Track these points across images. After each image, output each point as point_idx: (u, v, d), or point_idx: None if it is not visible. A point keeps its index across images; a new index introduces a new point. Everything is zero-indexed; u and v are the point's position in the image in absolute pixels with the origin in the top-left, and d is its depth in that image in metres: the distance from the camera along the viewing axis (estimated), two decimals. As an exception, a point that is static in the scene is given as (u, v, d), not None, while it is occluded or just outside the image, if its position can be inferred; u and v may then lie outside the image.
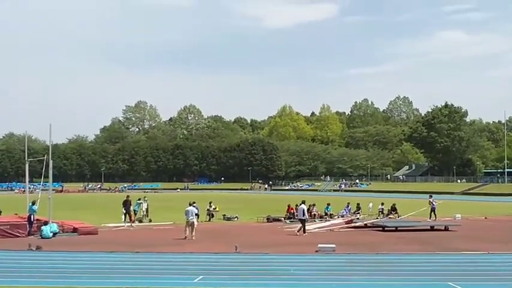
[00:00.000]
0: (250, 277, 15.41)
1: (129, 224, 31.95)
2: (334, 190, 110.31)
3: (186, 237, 24.97)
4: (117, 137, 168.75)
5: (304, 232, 27.26)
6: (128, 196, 34.31)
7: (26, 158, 32.40)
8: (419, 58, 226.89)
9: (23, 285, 13.86)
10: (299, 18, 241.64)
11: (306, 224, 28.16)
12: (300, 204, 28.50)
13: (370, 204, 42.71)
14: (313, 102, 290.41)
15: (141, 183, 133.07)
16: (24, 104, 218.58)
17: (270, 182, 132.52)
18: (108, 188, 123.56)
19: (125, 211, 32.66)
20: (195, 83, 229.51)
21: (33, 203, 27.08)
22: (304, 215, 27.88)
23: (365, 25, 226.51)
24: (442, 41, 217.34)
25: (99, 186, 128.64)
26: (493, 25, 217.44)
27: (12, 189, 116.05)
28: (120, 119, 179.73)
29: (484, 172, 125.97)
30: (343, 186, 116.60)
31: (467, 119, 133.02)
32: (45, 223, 26.33)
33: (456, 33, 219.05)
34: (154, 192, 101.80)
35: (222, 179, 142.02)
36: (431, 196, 38.72)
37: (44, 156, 28.91)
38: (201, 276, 15.15)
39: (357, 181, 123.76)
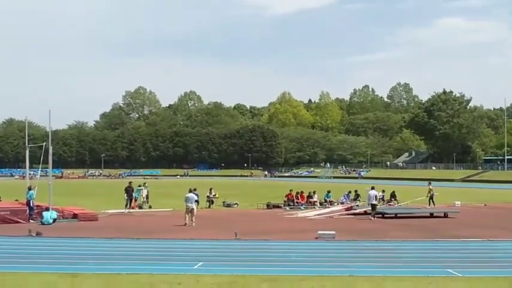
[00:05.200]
0: (250, 263, 15.42)
1: (130, 210, 32.01)
2: (353, 177, 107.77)
3: (186, 224, 25.00)
4: (117, 123, 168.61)
5: (374, 217, 28.49)
6: (130, 182, 34.35)
7: (27, 144, 32.34)
8: (419, 45, 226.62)
9: (23, 271, 13.88)
10: (299, 6, 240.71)
11: (375, 208, 29.32)
12: (371, 190, 29.65)
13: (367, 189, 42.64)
14: (312, 89, 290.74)
15: (141, 170, 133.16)
16: (23, 89, 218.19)
17: (270, 170, 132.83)
18: (108, 175, 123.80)
19: (127, 197, 32.68)
20: (195, 70, 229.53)
21: (30, 188, 27.02)
22: (375, 199, 29.49)
23: (365, 12, 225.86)
24: (442, 28, 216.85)
25: (99, 172, 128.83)
26: (494, 12, 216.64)
27: (12, 175, 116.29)
28: (120, 105, 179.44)
29: (484, 159, 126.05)
30: (363, 173, 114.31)
31: (469, 106, 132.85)
32: (47, 209, 26.34)
33: (456, 20, 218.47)
34: (154, 178, 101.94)
35: (222, 165, 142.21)
36: (430, 183, 38.73)
37: (43, 142, 28.83)
38: (200, 263, 15.18)
39: (360, 170, 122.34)
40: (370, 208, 29.38)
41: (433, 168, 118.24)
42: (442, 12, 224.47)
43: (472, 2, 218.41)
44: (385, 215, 29.79)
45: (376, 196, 29.95)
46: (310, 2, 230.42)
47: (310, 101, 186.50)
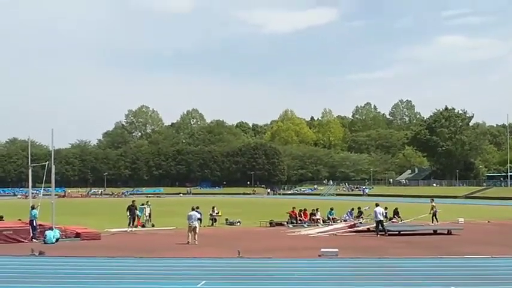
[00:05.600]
0: (253, 282, 15.40)
1: (133, 228, 31.97)
2: (358, 195, 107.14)
3: (188, 242, 24.95)
4: (119, 141, 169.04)
5: (379, 233, 28.73)
6: (133, 201, 34.37)
7: (29, 163, 32.46)
8: (420, 63, 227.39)
9: (26, 291, 13.87)
10: (300, 24, 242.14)
11: (382, 224, 29.49)
12: (376, 207, 29.94)
13: (367, 207, 42.60)
14: (314, 106, 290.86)
15: (144, 188, 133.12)
16: (26, 108, 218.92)
17: (272, 188, 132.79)
18: (110, 193, 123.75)
19: (130, 216, 32.66)
20: (197, 88, 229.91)
21: (33, 208, 27.07)
22: (382, 216, 29.83)
23: (366, 30, 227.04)
24: (443, 45, 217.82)
25: (101, 191, 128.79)
26: (493, 29, 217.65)
27: (15, 195, 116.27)
28: (123, 123, 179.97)
29: (487, 176, 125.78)
30: (367, 190, 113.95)
31: (471, 123, 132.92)
32: (50, 228, 26.33)
33: (456, 37, 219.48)
34: (157, 197, 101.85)
35: (224, 183, 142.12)
36: (433, 200, 38.67)
37: (46, 162, 28.91)
38: (204, 281, 15.14)
39: (363, 187, 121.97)
40: (375, 225, 29.38)
41: (434, 185, 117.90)
42: (442, 30, 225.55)
43: (472, 20, 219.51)
44: (389, 232, 29.68)
45: (382, 213, 30.16)
46: (312, 20, 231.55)
47: (312, 118, 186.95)
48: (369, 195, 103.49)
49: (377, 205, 30.27)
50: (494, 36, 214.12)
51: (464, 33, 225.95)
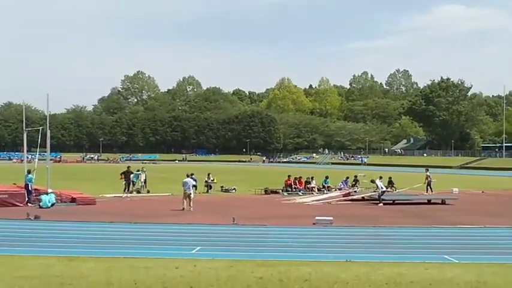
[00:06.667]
0: (247, 248, 15.47)
1: (128, 194, 32.04)
2: (356, 164, 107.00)
3: (183, 209, 25.04)
4: (115, 107, 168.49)
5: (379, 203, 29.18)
6: (128, 167, 34.37)
7: (24, 128, 32.29)
8: (418, 32, 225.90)
9: (21, 254, 13.91)
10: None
11: (380, 196, 29.95)
12: (380, 179, 31.10)
13: (363, 175, 42.79)
14: (311, 75, 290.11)
15: (139, 154, 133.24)
16: (22, 73, 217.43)
17: (268, 156, 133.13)
18: (106, 159, 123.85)
19: (125, 181, 32.68)
20: (194, 55, 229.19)
21: (29, 172, 27.06)
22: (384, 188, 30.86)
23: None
24: (442, 15, 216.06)
25: (97, 156, 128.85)
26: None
27: (10, 159, 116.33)
28: (119, 89, 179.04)
29: (482, 146, 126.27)
30: (365, 160, 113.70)
31: (469, 94, 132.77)
32: (45, 193, 26.36)
33: (456, 7, 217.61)
34: (153, 163, 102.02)
35: (216, 150, 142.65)
36: (427, 169, 38.78)
37: (41, 126, 28.77)
38: (198, 247, 15.21)
39: (360, 156, 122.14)
40: (379, 195, 30.06)
41: (424, 155, 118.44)
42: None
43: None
44: (383, 201, 29.84)
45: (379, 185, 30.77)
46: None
47: (311, 86, 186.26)
48: (368, 164, 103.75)
49: (381, 178, 31.54)
50: (493, 6, 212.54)
51: (463, 2, 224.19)
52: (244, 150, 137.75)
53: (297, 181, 36.98)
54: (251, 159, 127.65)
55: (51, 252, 14.22)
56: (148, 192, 34.83)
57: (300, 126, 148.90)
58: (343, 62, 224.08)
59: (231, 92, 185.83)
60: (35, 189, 27.10)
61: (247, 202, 30.49)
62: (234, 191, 37.27)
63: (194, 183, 27.68)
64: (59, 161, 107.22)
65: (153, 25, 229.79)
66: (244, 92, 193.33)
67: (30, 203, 26.21)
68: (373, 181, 31.92)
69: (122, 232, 18.84)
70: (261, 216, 23.05)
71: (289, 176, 37.44)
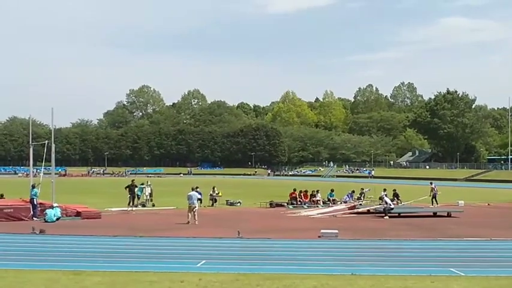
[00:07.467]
0: (252, 262, 15.42)
1: (133, 208, 32.02)
2: (363, 177, 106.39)
3: (188, 222, 25.02)
4: (120, 121, 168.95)
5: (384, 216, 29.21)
6: (132, 180, 34.40)
7: (30, 142, 32.41)
8: (422, 45, 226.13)
9: (26, 268, 13.91)
10: (301, 4, 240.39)
11: (386, 210, 29.84)
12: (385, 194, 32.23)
13: (368, 189, 42.63)
14: (316, 88, 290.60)
15: (145, 168, 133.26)
16: (27, 87, 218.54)
17: (272, 169, 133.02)
18: (111, 173, 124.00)
19: (130, 195, 32.65)
20: (199, 68, 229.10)
21: (33, 186, 27.12)
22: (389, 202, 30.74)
23: (367, 11, 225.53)
24: (445, 27, 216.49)
25: (103, 170, 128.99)
26: (496, 11, 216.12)
27: (16, 173, 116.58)
28: (124, 103, 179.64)
29: (488, 159, 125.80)
30: (372, 172, 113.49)
31: (473, 106, 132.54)
32: (51, 207, 26.39)
33: (459, 19, 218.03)
34: (158, 177, 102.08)
35: (219, 163, 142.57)
36: (432, 182, 38.67)
37: (46, 141, 28.88)
38: (203, 261, 15.19)
39: (364, 169, 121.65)
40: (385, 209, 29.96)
41: (427, 167, 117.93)
42: (445, 11, 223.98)
43: (474, 1, 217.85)
44: (388, 214, 29.74)
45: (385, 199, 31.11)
46: (313, 1, 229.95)
47: (317, 99, 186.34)
48: (375, 177, 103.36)
49: (385, 190, 32.73)
50: (496, 18, 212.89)
51: (466, 15, 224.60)
52: (249, 163, 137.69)
53: (302, 194, 36.91)
54: (256, 172, 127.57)
55: (56, 267, 14.21)
56: (153, 205, 34.84)
57: (305, 139, 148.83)
58: (348, 74, 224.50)
59: (236, 105, 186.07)
60: (40, 203, 27.15)
61: (252, 215, 30.44)
62: (239, 204, 37.22)
63: (199, 196, 27.69)
64: (64, 175, 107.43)
65: (158, 39, 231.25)
66: (248, 105, 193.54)
67: (35, 217, 26.24)
68: (381, 198, 31.86)
69: (127, 246, 18.83)
70: (266, 230, 23.00)
71: (294, 189, 37.41)
